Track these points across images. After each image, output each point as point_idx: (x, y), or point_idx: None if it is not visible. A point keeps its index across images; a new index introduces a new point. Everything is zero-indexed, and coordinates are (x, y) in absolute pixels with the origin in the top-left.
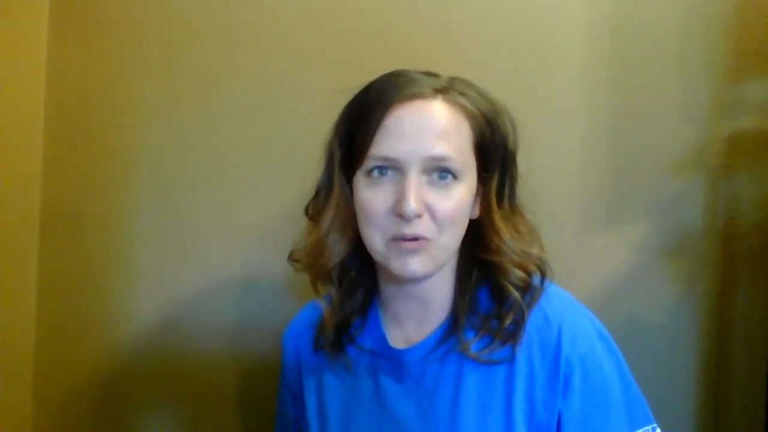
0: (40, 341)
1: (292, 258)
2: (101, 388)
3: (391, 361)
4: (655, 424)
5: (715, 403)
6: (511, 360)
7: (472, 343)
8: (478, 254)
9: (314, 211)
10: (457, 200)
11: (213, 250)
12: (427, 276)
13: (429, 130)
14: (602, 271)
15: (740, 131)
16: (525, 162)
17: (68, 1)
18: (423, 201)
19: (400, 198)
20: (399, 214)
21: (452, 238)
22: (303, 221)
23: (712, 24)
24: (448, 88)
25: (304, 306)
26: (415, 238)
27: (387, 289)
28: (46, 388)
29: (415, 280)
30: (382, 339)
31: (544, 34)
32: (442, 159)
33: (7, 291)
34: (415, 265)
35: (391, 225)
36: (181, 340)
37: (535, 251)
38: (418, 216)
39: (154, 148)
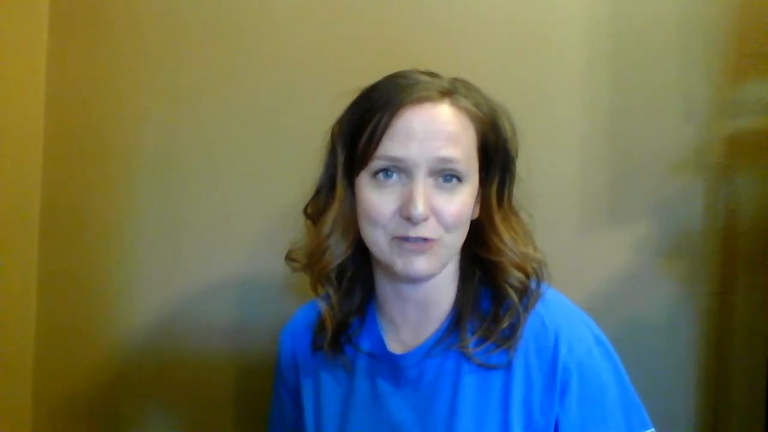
0: (40, 341)
1: (289, 258)
2: (101, 388)
3: (389, 365)
4: (653, 429)
5: (715, 403)
6: (508, 365)
7: (470, 341)
8: (478, 253)
9: (313, 211)
10: (461, 203)
11: (212, 250)
12: (432, 275)
13: (438, 132)
14: (602, 271)
15: (740, 131)
16: (525, 163)
17: (68, 1)
18: (430, 204)
19: (407, 201)
20: (406, 216)
21: (457, 238)
22: (302, 221)
23: (712, 24)
24: (452, 91)
25: (302, 306)
26: (420, 240)
27: (384, 292)
28: (46, 388)
29: (418, 280)
30: (380, 342)
31: (544, 34)
32: (450, 161)
33: (7, 291)
34: (420, 264)
35: (396, 226)
36: (180, 340)
37: (531, 251)
38: (425, 219)
39: (154, 148)
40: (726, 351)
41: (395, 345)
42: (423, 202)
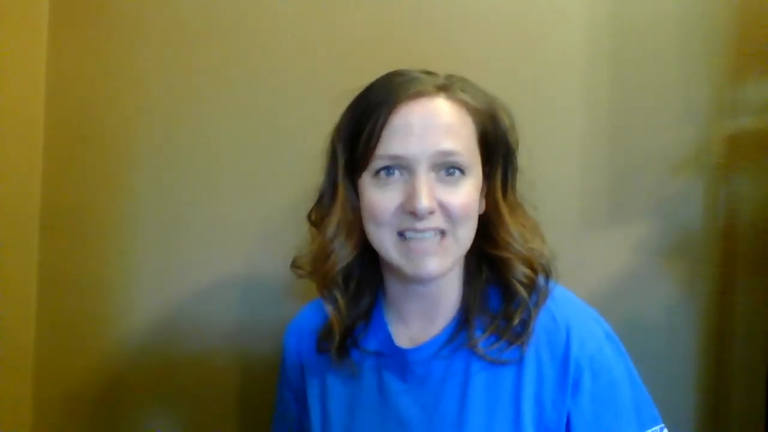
0: (40, 341)
1: (294, 265)
2: (101, 388)
3: (396, 360)
4: (663, 424)
5: (715, 403)
6: (520, 361)
7: (480, 340)
8: (485, 250)
9: (317, 217)
10: (466, 195)
11: (213, 250)
12: (443, 274)
13: (436, 126)
14: (602, 271)
15: (740, 131)
16: (526, 161)
17: (68, 1)
18: (434, 198)
19: (411, 196)
20: (410, 211)
21: (466, 234)
22: (304, 221)
23: (712, 24)
24: (448, 85)
25: (306, 305)
26: (430, 230)
27: (394, 290)
28: (46, 388)
29: (428, 280)
30: (388, 339)
31: (544, 34)
32: (451, 154)
33: (7, 291)
34: (432, 265)
35: (400, 221)
36: (181, 340)
37: (538, 245)
38: (431, 213)
39: (154, 148)
40: (726, 351)
41: (403, 340)
42: (427, 195)
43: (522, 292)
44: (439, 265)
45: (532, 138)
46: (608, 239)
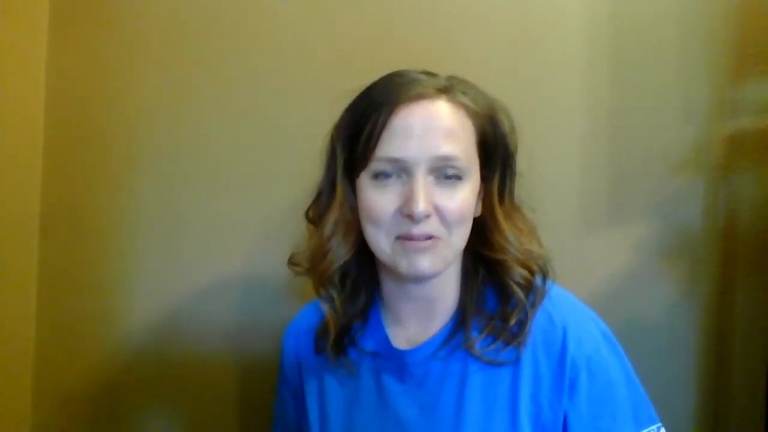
0: (40, 341)
1: (291, 262)
2: (101, 388)
3: (394, 361)
4: (660, 424)
5: (715, 403)
6: (516, 361)
7: (477, 341)
8: (481, 252)
9: (315, 214)
10: (462, 200)
11: (213, 250)
12: (436, 275)
13: (436, 130)
14: (602, 271)
15: (740, 131)
16: (525, 162)
17: (68, 1)
18: (431, 201)
19: (408, 199)
20: (407, 214)
21: (460, 237)
22: (303, 222)
23: (712, 24)
24: (449, 88)
25: (305, 306)
26: (424, 237)
27: (390, 291)
28: (46, 388)
29: (422, 279)
30: (385, 340)
31: (544, 34)
32: (449, 159)
33: (7, 290)
34: (425, 263)
35: (397, 225)
36: (181, 340)
37: (535, 248)
38: (427, 216)
39: (154, 148)
40: (726, 351)
41: (400, 341)
42: (424, 199)
43: (519, 292)
44: (430, 263)
45: (532, 138)
46: (608, 239)
